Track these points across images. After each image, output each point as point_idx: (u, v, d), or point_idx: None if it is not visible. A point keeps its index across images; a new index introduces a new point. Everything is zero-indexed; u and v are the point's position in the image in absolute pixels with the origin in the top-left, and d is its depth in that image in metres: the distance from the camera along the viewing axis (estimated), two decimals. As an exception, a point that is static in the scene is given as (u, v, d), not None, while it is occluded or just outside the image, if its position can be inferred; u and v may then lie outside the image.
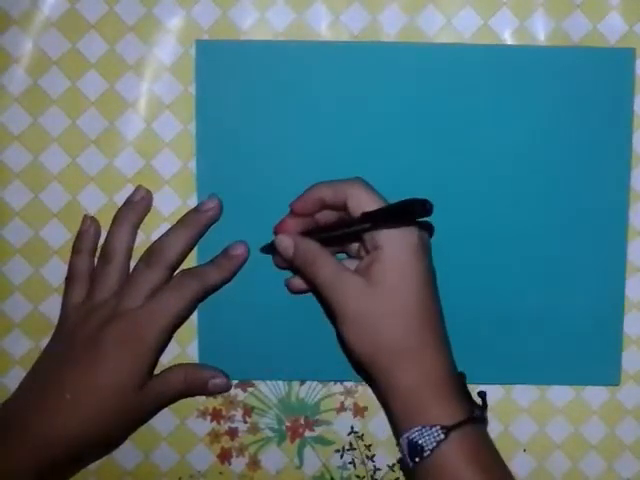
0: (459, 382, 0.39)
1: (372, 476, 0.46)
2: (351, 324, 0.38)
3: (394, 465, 0.46)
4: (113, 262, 0.43)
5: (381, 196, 0.39)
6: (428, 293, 0.38)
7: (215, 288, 0.44)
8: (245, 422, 0.46)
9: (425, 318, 0.38)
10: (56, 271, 0.45)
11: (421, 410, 0.37)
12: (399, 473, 0.46)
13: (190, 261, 0.44)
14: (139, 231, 0.45)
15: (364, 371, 0.40)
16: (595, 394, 0.46)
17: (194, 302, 0.43)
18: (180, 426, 0.46)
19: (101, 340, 0.41)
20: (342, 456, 0.46)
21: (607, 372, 0.45)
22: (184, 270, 0.43)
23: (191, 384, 0.43)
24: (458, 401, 0.38)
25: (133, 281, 0.42)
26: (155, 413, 0.45)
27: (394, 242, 0.38)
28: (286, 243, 0.41)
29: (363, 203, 0.39)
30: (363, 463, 0.46)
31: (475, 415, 0.38)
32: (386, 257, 0.38)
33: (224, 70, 0.44)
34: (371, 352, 0.38)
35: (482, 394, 0.41)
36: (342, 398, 0.46)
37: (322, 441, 0.46)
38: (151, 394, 0.42)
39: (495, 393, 0.46)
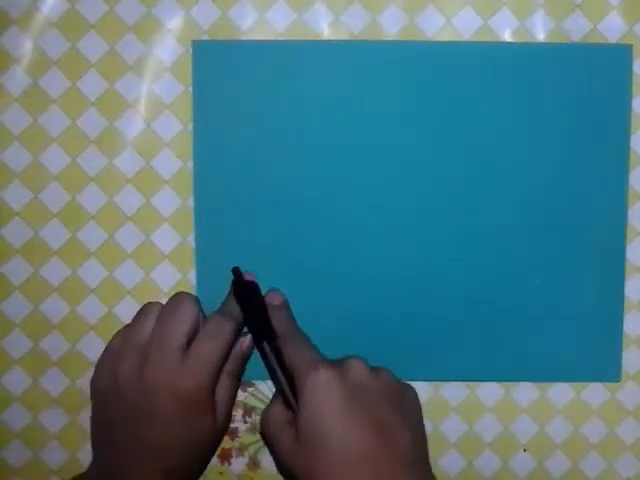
0: None
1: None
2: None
3: (394, 465, 0.46)
4: None
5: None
6: (355, 427, 0.36)
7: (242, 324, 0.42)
8: (245, 422, 0.46)
9: (360, 462, 0.36)
10: (56, 271, 0.45)
11: None
12: (399, 473, 0.46)
13: (189, 260, 0.45)
14: (137, 231, 0.45)
15: None
16: (595, 394, 0.46)
17: (231, 344, 0.41)
18: (180, 426, 0.46)
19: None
20: (342, 456, 0.46)
21: (607, 369, 0.45)
22: (214, 315, 0.42)
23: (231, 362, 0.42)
24: None
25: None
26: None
27: (308, 389, 0.37)
28: None
29: None
30: (363, 463, 0.46)
31: None
32: (303, 406, 0.37)
33: (221, 70, 0.44)
34: None
35: None
36: (342, 398, 0.46)
37: (322, 441, 0.46)
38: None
39: (495, 393, 0.46)
